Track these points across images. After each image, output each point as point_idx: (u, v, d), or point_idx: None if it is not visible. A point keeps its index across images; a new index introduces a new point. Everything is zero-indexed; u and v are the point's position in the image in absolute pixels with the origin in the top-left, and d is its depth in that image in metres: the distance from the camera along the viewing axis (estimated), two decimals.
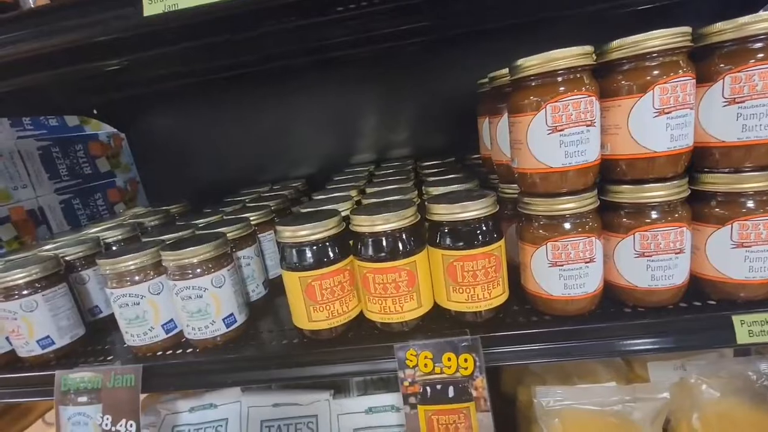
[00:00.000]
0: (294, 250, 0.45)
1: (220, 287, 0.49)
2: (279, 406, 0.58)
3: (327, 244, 0.45)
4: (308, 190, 0.90)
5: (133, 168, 1.06)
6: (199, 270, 0.49)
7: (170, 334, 0.52)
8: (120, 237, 0.68)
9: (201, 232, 0.57)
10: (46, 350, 0.53)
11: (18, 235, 0.77)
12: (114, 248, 0.67)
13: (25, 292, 0.51)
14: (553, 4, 0.72)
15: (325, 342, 0.47)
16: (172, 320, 0.52)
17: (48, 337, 0.53)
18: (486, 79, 0.55)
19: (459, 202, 0.43)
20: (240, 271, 0.56)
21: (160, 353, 0.52)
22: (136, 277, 0.50)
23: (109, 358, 0.53)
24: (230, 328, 0.51)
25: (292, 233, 0.45)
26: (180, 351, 0.52)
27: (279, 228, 0.46)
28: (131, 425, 0.48)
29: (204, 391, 0.61)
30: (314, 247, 0.45)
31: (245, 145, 1.01)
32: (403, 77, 0.94)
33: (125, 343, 0.55)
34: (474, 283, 0.44)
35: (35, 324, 0.52)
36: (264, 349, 0.49)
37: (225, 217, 0.65)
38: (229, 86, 0.96)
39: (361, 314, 0.49)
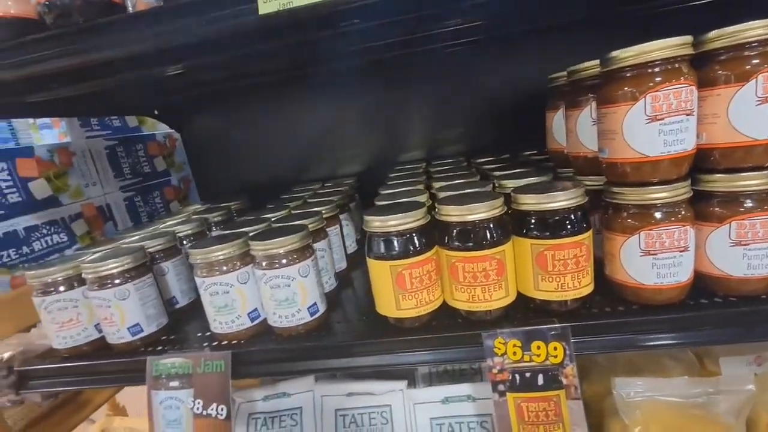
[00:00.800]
0: (384, 240, 0.47)
1: (305, 277, 0.51)
2: (352, 396, 0.59)
3: (417, 234, 0.46)
4: (360, 188, 0.91)
5: (186, 167, 1.09)
6: (285, 260, 0.50)
7: (254, 323, 0.54)
8: (190, 231, 0.71)
9: (278, 225, 0.59)
10: (135, 337, 0.56)
11: (89, 231, 0.80)
12: (185, 242, 0.70)
13: (117, 281, 0.54)
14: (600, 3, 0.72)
15: (410, 330, 0.49)
16: (256, 309, 0.54)
17: (137, 324, 0.56)
18: (559, 74, 0.56)
19: (547, 192, 0.44)
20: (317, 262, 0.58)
21: (243, 341, 0.54)
22: (224, 267, 0.52)
23: (194, 345, 0.55)
24: (313, 317, 0.52)
25: (381, 223, 0.46)
26: (263, 338, 0.54)
27: (368, 218, 0.47)
28: (222, 409, 0.50)
29: (277, 380, 0.63)
30: (405, 237, 0.46)
31: (293, 145, 1.04)
32: (449, 77, 0.95)
33: (207, 332, 0.57)
34: (564, 272, 0.44)
35: (127, 312, 0.55)
36: (348, 337, 0.50)
37: (293, 212, 0.67)
38: (278, 87, 0.98)
39: (443, 303, 0.50)
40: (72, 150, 0.79)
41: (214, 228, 0.78)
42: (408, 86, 0.97)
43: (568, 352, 0.44)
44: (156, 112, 0.97)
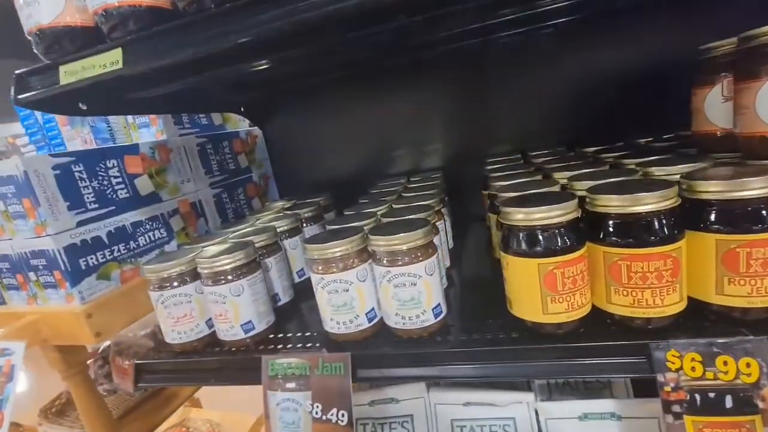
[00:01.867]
0: (528, 235, 0.41)
1: (431, 275, 0.47)
2: (470, 406, 0.54)
3: (568, 228, 0.41)
4: (447, 181, 0.86)
5: (265, 164, 1.10)
6: (407, 257, 0.46)
7: (371, 323, 0.50)
8: (286, 227, 0.69)
9: (387, 219, 0.55)
10: (247, 335, 0.54)
11: (184, 227, 0.81)
12: (282, 238, 0.68)
13: (230, 277, 0.53)
14: None
15: (554, 336, 0.43)
16: (373, 309, 0.50)
17: (250, 321, 0.54)
18: (720, 42, 0.48)
19: (736, 178, 0.37)
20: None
21: (359, 342, 0.50)
22: (342, 264, 0.49)
23: (308, 345, 0.53)
24: (437, 319, 0.48)
25: (526, 216, 0.41)
26: (380, 340, 0.50)
27: (508, 210, 0.42)
28: (343, 415, 0.47)
29: (384, 385, 0.60)
30: (556, 231, 0.40)
31: (373, 140, 1.00)
32: (535, 66, 0.88)
33: (315, 331, 0.55)
34: (762, 274, 0.37)
35: (241, 308, 0.53)
36: (479, 342, 0.46)
37: (394, 206, 0.63)
38: (356, 83, 0.95)
39: (592, 308, 0.43)
40: (170, 147, 0.80)
41: (305, 224, 0.76)
42: (499, 73, 0.91)
43: (765, 370, 0.37)
44: (242, 109, 0.98)
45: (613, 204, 0.39)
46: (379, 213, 0.60)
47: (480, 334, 0.47)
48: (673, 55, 0.71)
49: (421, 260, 0.46)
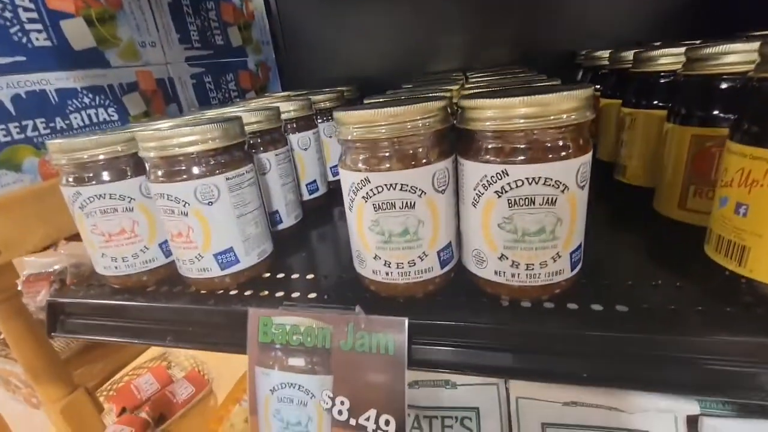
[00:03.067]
0: None
1: (582, 188, 0.24)
2: (576, 406, 0.35)
3: None
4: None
5: (266, 49, 0.82)
6: (550, 150, 0.23)
7: (445, 269, 0.28)
8: (294, 114, 0.45)
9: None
10: (227, 270, 0.32)
11: (147, 111, 0.57)
12: (289, 130, 0.45)
13: (197, 169, 0.30)
14: None
15: None
16: (450, 245, 0.28)
17: (231, 249, 0.32)
18: None
19: None
20: None
21: (421, 296, 0.29)
22: (407, 156, 0.25)
23: (326, 297, 0.31)
24: (574, 272, 0.26)
25: None
26: (459, 298, 0.28)
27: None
28: (387, 423, 0.27)
29: None
30: None
31: (409, 30, 0.73)
32: None
33: (343, 273, 0.33)
34: None
35: (215, 225, 0.31)
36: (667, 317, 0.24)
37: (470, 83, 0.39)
38: None
39: None
40: None
41: (320, 119, 0.52)
42: None
43: None
44: None
45: None
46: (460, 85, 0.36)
47: (667, 303, 0.25)
48: None
49: (573, 156, 0.23)
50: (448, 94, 0.30)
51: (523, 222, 0.24)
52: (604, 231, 0.36)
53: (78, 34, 0.48)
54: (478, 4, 0.70)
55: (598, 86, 0.51)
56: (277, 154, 0.39)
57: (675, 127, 0.30)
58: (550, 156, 0.23)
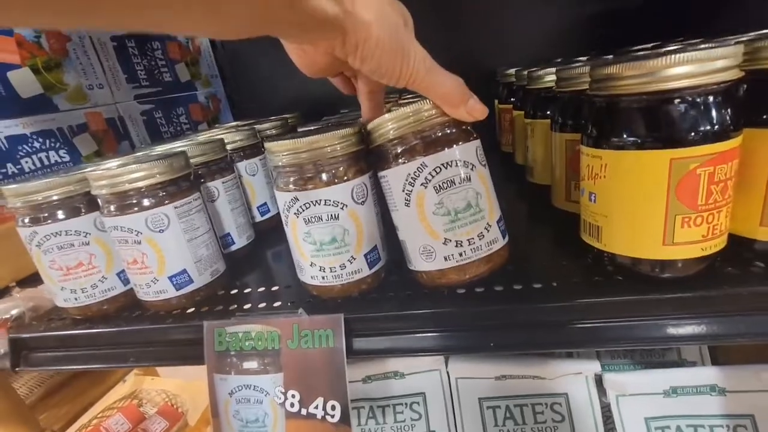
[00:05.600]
0: (655, 110, 0.24)
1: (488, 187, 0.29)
2: (505, 379, 0.40)
3: (720, 98, 0.24)
4: None
5: (215, 82, 0.86)
6: (452, 145, 0.28)
7: (374, 269, 0.33)
8: (241, 143, 0.49)
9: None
10: (181, 291, 0.35)
11: (99, 151, 0.59)
12: (236, 158, 0.49)
13: (148, 201, 0.33)
14: None
15: (670, 283, 0.27)
16: (375, 248, 0.33)
17: (184, 272, 0.35)
18: None
19: None
20: None
21: (356, 294, 0.33)
22: (325, 174, 0.30)
23: (275, 305, 0.35)
24: (506, 239, 0.31)
25: (650, 78, 0.23)
26: (390, 294, 0.33)
27: (619, 69, 0.24)
28: (333, 407, 0.31)
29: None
30: (702, 102, 0.23)
31: None
32: None
33: (288, 285, 0.37)
34: None
35: (167, 251, 0.34)
36: (555, 292, 0.30)
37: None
38: None
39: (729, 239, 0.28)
40: (67, 33, 0.56)
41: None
42: None
43: None
44: None
45: None
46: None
47: (551, 280, 0.31)
48: None
49: (468, 140, 0.28)
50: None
51: (451, 202, 0.29)
52: (517, 225, 0.41)
53: (25, 83, 0.50)
54: None
55: (512, 99, 0.58)
56: (224, 182, 0.43)
57: (555, 134, 0.37)
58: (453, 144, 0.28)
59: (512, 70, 0.58)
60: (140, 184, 0.32)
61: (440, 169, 0.28)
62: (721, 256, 0.27)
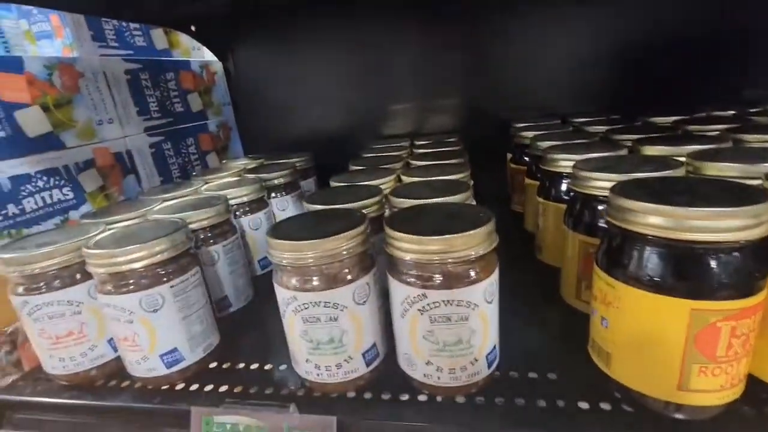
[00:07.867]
0: (683, 256, 0.23)
1: (491, 303, 0.28)
2: None
3: (747, 253, 0.22)
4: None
5: (226, 110, 0.86)
6: (457, 274, 0.27)
7: (370, 368, 0.32)
8: (246, 198, 0.48)
9: (406, 200, 0.36)
10: (172, 369, 0.34)
11: (104, 186, 0.58)
12: (239, 214, 0.48)
13: (144, 280, 0.32)
14: None
15: (687, 425, 0.26)
16: (374, 346, 0.32)
17: (175, 350, 0.34)
18: None
19: None
20: None
21: (352, 391, 0.32)
22: (325, 277, 0.29)
23: (266, 392, 0.34)
24: (490, 370, 0.30)
25: (676, 222, 0.22)
26: (385, 395, 0.32)
27: (648, 207, 0.23)
28: None
29: None
30: (732, 257, 0.22)
31: (368, 86, 0.78)
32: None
33: (282, 364, 0.36)
34: None
35: (159, 330, 0.33)
36: (550, 414, 0.28)
37: (404, 177, 0.43)
38: (346, 7, 0.72)
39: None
40: (80, 69, 0.55)
41: (273, 194, 0.55)
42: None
43: None
44: (193, 28, 0.72)
45: None
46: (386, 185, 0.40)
47: (555, 398, 0.29)
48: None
49: (482, 279, 0.27)
50: (372, 209, 0.34)
51: (443, 335, 0.28)
52: (522, 318, 0.39)
53: (33, 121, 0.50)
54: (427, 73, 0.76)
55: (526, 159, 0.57)
56: (225, 245, 0.42)
57: (569, 231, 0.35)
58: (459, 278, 0.27)
59: (527, 133, 0.57)
60: (138, 265, 0.31)
61: (439, 304, 0.27)
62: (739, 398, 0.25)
